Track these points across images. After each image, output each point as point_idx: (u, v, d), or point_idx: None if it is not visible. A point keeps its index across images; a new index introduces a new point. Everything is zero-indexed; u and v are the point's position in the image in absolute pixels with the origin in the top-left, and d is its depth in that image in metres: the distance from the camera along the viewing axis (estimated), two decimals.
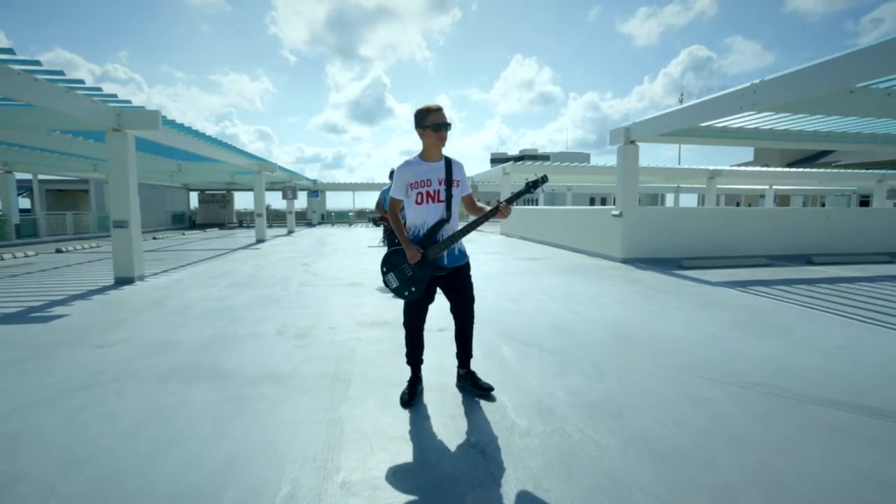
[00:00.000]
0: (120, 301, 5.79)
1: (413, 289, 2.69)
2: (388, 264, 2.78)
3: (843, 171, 22.33)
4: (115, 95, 6.60)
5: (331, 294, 6.09)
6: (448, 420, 2.55)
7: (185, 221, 28.78)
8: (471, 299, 2.86)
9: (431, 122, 2.59)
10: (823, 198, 42.43)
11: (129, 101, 6.91)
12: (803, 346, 3.77)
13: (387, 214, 7.16)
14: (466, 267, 2.83)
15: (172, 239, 17.18)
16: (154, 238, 17.32)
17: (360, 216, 32.68)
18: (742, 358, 3.49)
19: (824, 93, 5.22)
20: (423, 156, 2.69)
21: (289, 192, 20.17)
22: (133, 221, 7.23)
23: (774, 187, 27.11)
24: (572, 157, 59.76)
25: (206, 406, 2.70)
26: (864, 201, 41.43)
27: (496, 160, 66.50)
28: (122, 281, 7.07)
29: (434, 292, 2.81)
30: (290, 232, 20.43)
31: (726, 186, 27.76)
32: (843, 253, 9.70)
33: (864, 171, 22.38)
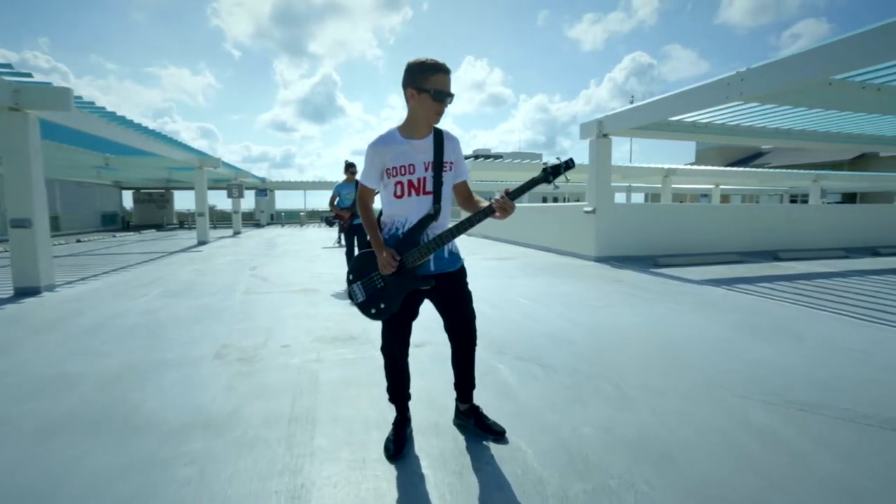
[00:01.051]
0: (15, 318, 4.68)
1: (383, 305, 2.00)
2: (356, 270, 2.08)
3: (783, 171, 23.51)
4: (9, 66, 5.42)
5: (282, 303, 5.24)
6: (454, 479, 1.88)
7: (117, 223, 26.28)
8: (471, 315, 2.17)
9: (433, 87, 1.87)
10: (758, 197, 45.05)
11: (29, 75, 5.73)
12: (824, 351, 3.39)
13: (341, 211, 6.38)
14: (461, 272, 2.14)
15: (101, 242, 15.39)
16: (78, 241, 15.44)
17: (312, 216, 31.22)
18: (767, 366, 3.04)
19: (814, 82, 4.98)
20: (407, 129, 1.98)
21: (234, 190, 18.70)
22: (38, 220, 6.03)
23: (721, 186, 28.24)
24: (524, 157, 60.45)
25: (103, 479, 1.88)
26: (793, 200, 44.41)
27: None
28: (24, 292, 5.87)
29: (416, 307, 2.11)
30: (237, 233, 18.96)
31: (675, 185, 28.70)
32: (804, 248, 9.84)
33: (801, 171, 23.71)
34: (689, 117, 7.55)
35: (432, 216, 1.98)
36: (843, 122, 8.53)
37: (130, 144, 9.40)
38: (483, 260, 9.02)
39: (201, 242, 13.90)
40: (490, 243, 12.55)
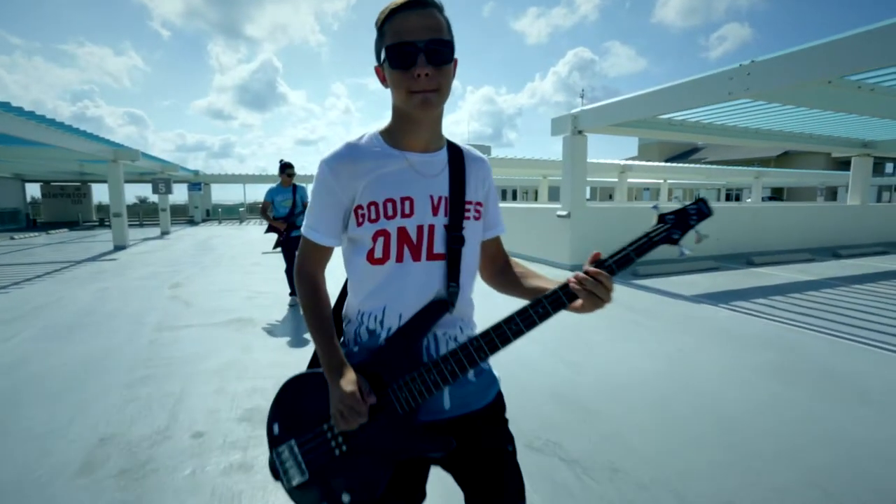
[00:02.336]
0: None
1: (347, 497, 0.96)
2: (284, 414, 1.10)
3: (728, 167, 24.25)
4: None
5: (204, 345, 4.06)
6: None
7: (20, 221, 23.00)
8: (518, 495, 1.08)
9: (387, 43, 0.91)
10: (698, 190, 47.12)
11: None
12: None
13: (277, 222, 5.24)
14: (499, 408, 1.17)
15: None
16: None
17: (253, 211, 28.97)
18: (861, 448, 2.33)
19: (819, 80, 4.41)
20: (393, 135, 1.02)
21: (161, 185, 16.60)
22: None
23: (669, 181, 28.88)
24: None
25: None
26: (728, 195, 46.86)
27: None
28: None
29: (421, 486, 1.08)
30: (165, 233, 16.91)
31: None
32: (771, 251, 9.68)
33: (744, 167, 24.63)
34: (684, 116, 6.98)
35: (446, 303, 1.03)
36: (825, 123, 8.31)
37: (14, 134, 7.63)
38: None
39: (118, 247, 12.02)
40: None
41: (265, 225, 5.42)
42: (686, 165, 22.92)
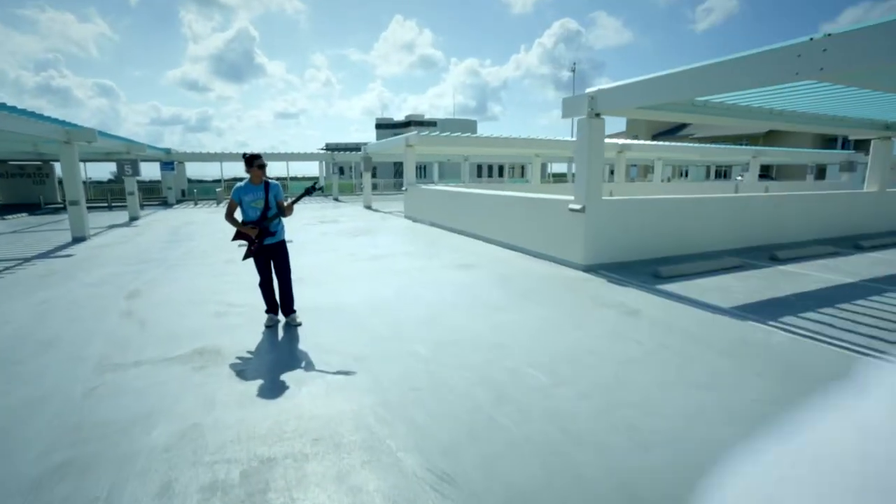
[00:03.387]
0: None
1: None
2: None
3: (726, 146, 23.57)
4: None
5: (152, 399, 3.17)
6: None
7: None
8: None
9: None
10: (686, 168, 46.56)
11: None
12: None
13: (246, 228, 4.29)
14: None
15: None
16: None
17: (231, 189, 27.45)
18: None
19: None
20: None
21: (126, 166, 15.23)
22: None
23: (661, 159, 28.15)
24: (460, 124, 58.52)
25: None
26: (718, 172, 46.48)
27: (382, 126, 62.66)
28: None
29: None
30: (133, 219, 15.65)
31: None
32: (792, 243, 9.04)
33: (742, 146, 24.05)
34: (722, 98, 6.12)
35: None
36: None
37: None
38: (443, 268, 7.25)
39: (77, 239, 10.86)
40: (444, 235, 10.76)
41: (234, 230, 4.48)
42: (684, 144, 22.19)
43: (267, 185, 4.43)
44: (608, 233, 7.03)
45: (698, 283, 6.22)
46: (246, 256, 4.52)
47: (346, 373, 3.56)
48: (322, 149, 42.09)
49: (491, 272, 6.92)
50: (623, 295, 5.65)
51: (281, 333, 4.51)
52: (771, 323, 4.60)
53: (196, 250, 9.22)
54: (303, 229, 12.37)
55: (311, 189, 4.43)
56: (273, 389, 3.31)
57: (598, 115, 6.64)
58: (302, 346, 4.17)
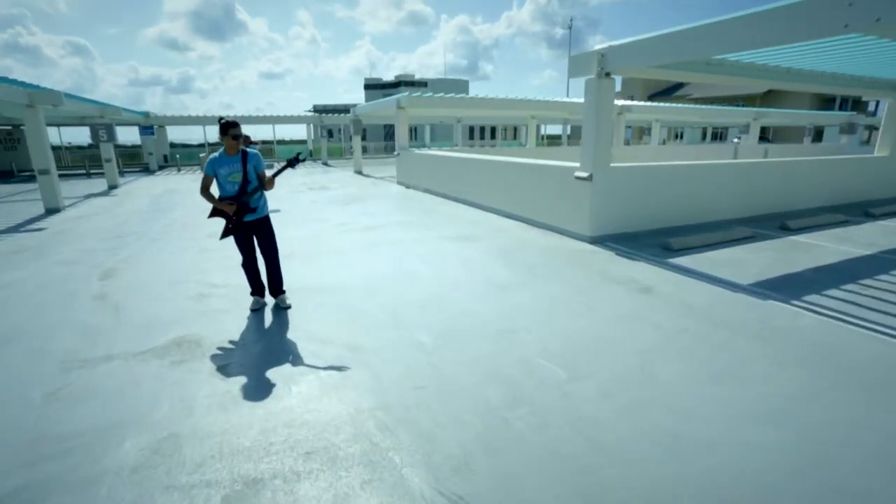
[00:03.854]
0: None
1: None
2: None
3: (724, 108, 22.89)
4: None
5: (123, 404, 2.82)
6: None
7: None
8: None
9: None
10: (681, 130, 45.71)
11: None
12: None
13: (224, 204, 3.84)
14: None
15: None
16: None
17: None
18: None
19: None
20: None
21: (101, 131, 14.35)
22: None
23: (658, 121, 27.46)
24: (451, 84, 56.67)
25: None
26: (714, 133, 45.73)
27: (371, 86, 60.26)
28: None
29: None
30: (112, 188, 14.92)
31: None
32: (801, 210, 8.74)
33: (743, 108, 23.40)
34: (752, 57, 5.61)
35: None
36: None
37: None
38: (440, 239, 6.85)
39: (50, 211, 10.25)
40: (439, 203, 10.29)
41: (210, 206, 4.02)
42: (685, 106, 21.53)
43: (245, 155, 3.94)
44: (616, 202, 6.63)
45: (709, 256, 5.90)
46: (224, 235, 4.08)
47: (341, 368, 3.22)
48: (309, 111, 40.57)
49: (492, 245, 6.54)
50: (633, 270, 5.32)
51: (268, 318, 4.14)
52: (794, 303, 4.31)
53: (178, 223, 8.70)
54: (290, 197, 11.82)
55: (295, 160, 3.96)
56: (259, 389, 2.97)
57: (608, 74, 6.10)
58: (291, 334, 3.81)
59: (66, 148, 25.78)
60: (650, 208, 7.05)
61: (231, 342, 3.65)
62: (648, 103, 21.52)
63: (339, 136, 35.47)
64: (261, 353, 3.48)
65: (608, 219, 6.63)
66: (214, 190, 4.00)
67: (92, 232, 7.98)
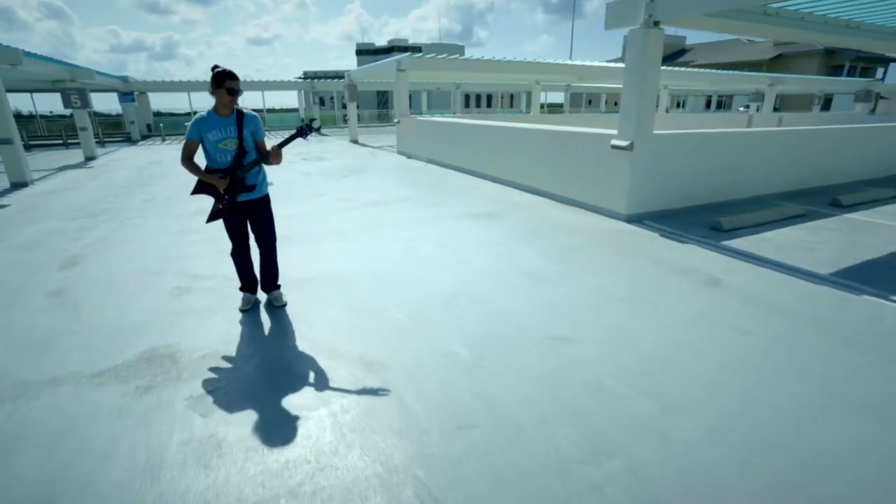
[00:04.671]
0: None
1: None
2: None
3: (738, 73, 21.75)
4: None
5: (70, 455, 2.06)
6: None
7: None
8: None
9: None
10: (684, 97, 44.34)
11: None
12: None
13: (214, 177, 2.99)
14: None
15: None
16: None
17: None
18: None
19: None
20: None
21: (73, 97, 13.15)
22: None
23: (668, 87, 26.32)
24: (446, 49, 54.45)
25: None
26: (719, 102, 44.43)
27: (363, 52, 57.72)
28: None
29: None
30: (89, 159, 13.82)
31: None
32: (849, 183, 8.00)
33: (756, 73, 22.29)
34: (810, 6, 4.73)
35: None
36: None
37: None
38: (456, 219, 6.05)
39: (16, 186, 9.26)
40: (448, 175, 9.42)
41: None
42: (696, 71, 20.37)
43: (240, 116, 3.09)
44: (657, 175, 5.83)
45: (767, 237, 5.17)
46: (211, 218, 3.27)
47: (359, 393, 2.48)
48: (300, 78, 38.73)
49: (516, 224, 5.75)
50: (688, 255, 4.58)
51: (261, 321, 3.37)
52: (894, 298, 3.60)
53: (159, 197, 7.80)
54: (282, 169, 10.87)
55: (308, 127, 3.10)
56: (254, 432, 2.23)
57: (656, 23, 5.19)
58: (290, 344, 3.05)
59: (43, 117, 24.26)
60: (692, 182, 6.26)
61: (215, 357, 2.89)
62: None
63: (330, 104, 34.02)
64: (253, 373, 2.73)
65: (648, 194, 5.84)
66: (201, 160, 3.15)
67: (60, 210, 7.08)
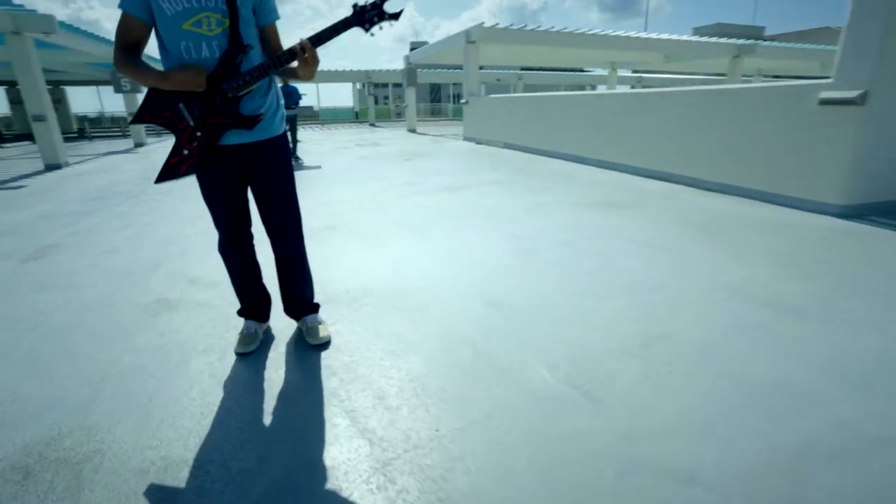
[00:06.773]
0: None
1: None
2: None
3: None
4: None
5: None
6: None
7: None
8: None
9: None
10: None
11: None
12: None
13: (169, 77, 1.42)
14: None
15: None
16: None
17: None
18: None
19: None
20: None
21: (124, 81, 12.48)
22: None
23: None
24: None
25: None
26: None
27: (417, 49, 56.78)
28: None
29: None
30: (138, 145, 13.17)
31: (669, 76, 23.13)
32: None
33: None
34: None
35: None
36: None
37: None
38: (574, 207, 4.23)
39: (50, 167, 8.36)
40: (538, 161, 7.59)
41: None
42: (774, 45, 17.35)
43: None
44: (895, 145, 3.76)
45: None
46: (164, 175, 1.72)
47: None
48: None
49: (667, 217, 3.88)
50: None
51: (273, 382, 1.74)
52: None
53: (186, 180, 6.51)
54: (332, 153, 9.48)
55: (374, 6, 1.50)
56: None
57: None
58: (334, 447, 1.38)
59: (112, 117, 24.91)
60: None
61: (162, 476, 1.27)
62: (779, 44, 17.60)
63: (383, 102, 33.83)
64: None
65: (880, 174, 3.78)
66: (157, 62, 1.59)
67: (76, 191, 5.94)
